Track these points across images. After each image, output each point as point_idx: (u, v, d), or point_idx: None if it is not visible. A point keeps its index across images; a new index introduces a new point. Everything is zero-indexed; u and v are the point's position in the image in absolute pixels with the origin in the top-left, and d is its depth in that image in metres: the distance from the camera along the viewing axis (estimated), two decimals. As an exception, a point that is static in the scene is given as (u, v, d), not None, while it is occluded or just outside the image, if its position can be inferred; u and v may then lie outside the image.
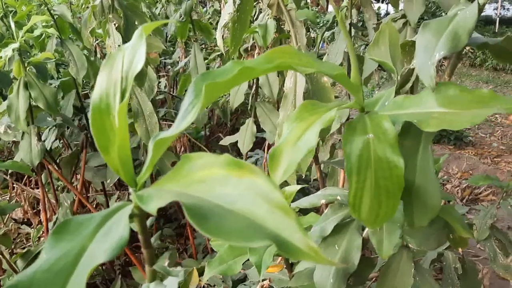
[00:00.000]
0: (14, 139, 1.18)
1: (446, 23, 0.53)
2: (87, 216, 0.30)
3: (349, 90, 0.51)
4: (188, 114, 0.32)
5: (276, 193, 0.26)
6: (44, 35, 1.40)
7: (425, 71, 0.52)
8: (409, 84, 0.74)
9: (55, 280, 0.26)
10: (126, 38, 1.12)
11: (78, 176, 1.55)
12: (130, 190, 0.33)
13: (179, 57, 2.04)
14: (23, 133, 1.16)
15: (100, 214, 0.31)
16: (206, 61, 1.88)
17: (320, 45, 1.79)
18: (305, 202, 0.80)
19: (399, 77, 0.63)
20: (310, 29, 1.71)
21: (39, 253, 1.54)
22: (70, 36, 1.49)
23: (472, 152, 3.48)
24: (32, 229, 1.69)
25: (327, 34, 1.62)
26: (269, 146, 1.46)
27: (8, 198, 1.71)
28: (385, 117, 0.47)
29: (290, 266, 0.92)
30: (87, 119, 1.53)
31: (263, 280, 1.00)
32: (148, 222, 0.34)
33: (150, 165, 0.33)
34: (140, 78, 1.17)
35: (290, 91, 0.88)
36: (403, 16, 1.01)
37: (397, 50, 0.60)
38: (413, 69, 0.60)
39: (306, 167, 0.93)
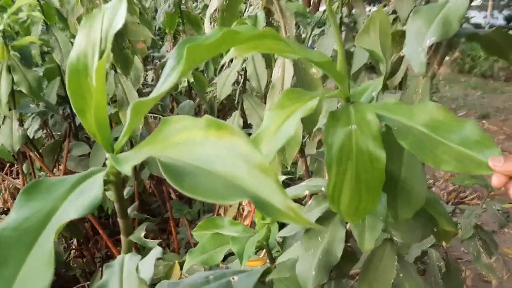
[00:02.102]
0: (-5, 124, 1.15)
1: (437, 10, 0.53)
2: (59, 178, 0.29)
3: (334, 78, 0.50)
4: (169, 77, 0.31)
5: (255, 153, 0.25)
6: (29, 20, 1.37)
7: (415, 57, 0.52)
8: (399, 75, 0.74)
9: (22, 238, 0.25)
10: (113, 25, 1.10)
11: (61, 166, 1.52)
12: (107, 155, 0.32)
13: (167, 51, 2.02)
14: (5, 117, 1.13)
15: (74, 177, 0.29)
16: (195, 55, 1.86)
17: (309, 45, 1.79)
18: (288, 192, 0.80)
19: (388, 66, 0.62)
20: (300, 27, 1.71)
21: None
22: (56, 24, 1.47)
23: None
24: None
25: (316, 31, 1.62)
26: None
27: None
28: (370, 108, 0.47)
29: (273, 260, 0.91)
30: (71, 109, 1.50)
31: (245, 272, 0.98)
32: (126, 191, 0.32)
33: (128, 129, 0.31)
34: (126, 66, 1.15)
35: (277, 81, 0.87)
36: (394, 11, 1.01)
37: (387, 39, 0.60)
38: (403, 57, 0.60)
39: (291, 159, 0.92)
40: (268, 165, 0.24)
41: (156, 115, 1.79)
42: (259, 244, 0.88)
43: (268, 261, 0.95)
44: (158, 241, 0.34)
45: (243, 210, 1.67)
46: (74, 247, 1.64)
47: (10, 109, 1.13)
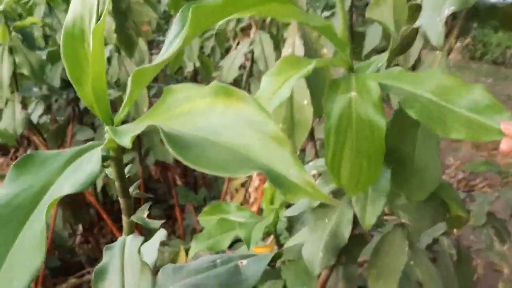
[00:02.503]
0: (-3, 106, 1.13)
1: (456, -22, 0.50)
2: (54, 152, 0.27)
3: (335, 45, 0.47)
4: (172, 44, 0.29)
5: (269, 122, 0.22)
6: (32, 1, 1.34)
7: (432, 28, 0.49)
8: (414, 53, 0.70)
9: (13, 215, 0.23)
10: (116, 4, 1.07)
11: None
12: (106, 127, 0.30)
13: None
14: (7, 100, 1.11)
15: (70, 151, 0.27)
16: (200, 39, 1.83)
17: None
18: None
19: (398, 38, 0.59)
20: (308, 9, 1.67)
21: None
22: (60, 6, 1.44)
23: (469, 144, 3.46)
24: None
25: (326, 14, 1.58)
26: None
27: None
28: (372, 76, 0.45)
29: (281, 246, 0.89)
30: (75, 92, 1.48)
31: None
32: (127, 169, 0.30)
33: (129, 100, 0.29)
34: (130, 47, 1.12)
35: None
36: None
37: (402, 12, 0.56)
38: (416, 29, 0.57)
39: (301, 143, 0.90)
40: (283, 135, 0.22)
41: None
42: (266, 230, 0.86)
43: (275, 247, 0.93)
44: (161, 221, 0.32)
45: (250, 197, 1.65)
46: (79, 233, 1.63)
47: (12, 92, 1.11)
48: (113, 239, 1.71)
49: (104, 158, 0.29)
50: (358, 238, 0.74)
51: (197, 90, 0.26)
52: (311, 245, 0.67)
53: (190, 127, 0.25)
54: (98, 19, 0.28)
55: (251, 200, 1.65)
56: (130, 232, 0.32)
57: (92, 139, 1.43)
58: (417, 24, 0.53)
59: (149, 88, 1.62)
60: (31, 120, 1.24)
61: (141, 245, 0.33)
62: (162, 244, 0.37)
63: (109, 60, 1.27)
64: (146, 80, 0.29)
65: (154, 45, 2.31)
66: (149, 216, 0.33)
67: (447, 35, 0.56)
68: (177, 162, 1.81)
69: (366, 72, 0.52)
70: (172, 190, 1.64)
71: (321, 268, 0.65)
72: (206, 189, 1.86)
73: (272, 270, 0.70)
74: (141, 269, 0.29)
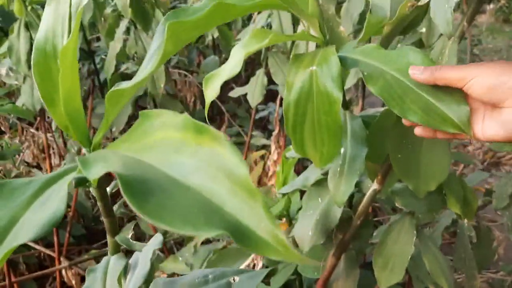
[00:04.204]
0: (16, 82, 1.14)
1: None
2: (25, 180, 0.26)
3: (305, 19, 0.46)
4: (150, 60, 0.26)
5: (241, 168, 0.20)
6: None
7: (441, 14, 0.45)
8: (432, 34, 0.66)
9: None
10: (130, -22, 1.04)
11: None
12: (83, 150, 0.28)
13: (193, 2, 1.94)
14: (25, 76, 1.11)
15: (41, 179, 0.26)
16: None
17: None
18: (291, 153, 0.76)
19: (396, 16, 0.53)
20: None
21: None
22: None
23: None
24: (44, 173, 1.69)
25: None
26: (282, 100, 1.40)
27: (18, 141, 1.70)
28: (333, 51, 0.44)
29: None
30: (95, 64, 1.47)
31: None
32: (109, 188, 0.29)
33: (105, 122, 0.27)
34: (146, 21, 1.10)
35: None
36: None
37: None
38: (421, 7, 0.52)
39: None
40: (255, 186, 0.20)
41: (181, 71, 1.75)
42: (279, 214, 0.86)
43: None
44: (144, 244, 0.30)
45: (269, 169, 1.64)
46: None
47: (29, 68, 1.11)
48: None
49: (81, 181, 0.27)
50: (365, 223, 0.73)
51: (173, 119, 0.24)
52: (302, 224, 0.67)
53: (161, 161, 0.23)
54: (69, 33, 0.26)
55: (270, 173, 1.64)
56: (115, 251, 0.31)
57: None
58: (422, 1, 0.49)
59: (169, 60, 1.60)
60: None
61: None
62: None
63: (128, 31, 1.25)
64: (123, 100, 0.27)
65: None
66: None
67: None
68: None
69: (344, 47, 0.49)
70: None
71: (309, 247, 0.65)
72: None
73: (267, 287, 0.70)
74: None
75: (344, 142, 0.52)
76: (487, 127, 0.37)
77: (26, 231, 0.22)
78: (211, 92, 0.40)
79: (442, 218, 1.13)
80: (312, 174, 0.65)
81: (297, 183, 0.67)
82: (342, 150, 0.52)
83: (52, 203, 0.23)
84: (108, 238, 0.31)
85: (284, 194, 0.78)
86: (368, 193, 0.67)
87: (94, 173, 0.23)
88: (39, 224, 0.22)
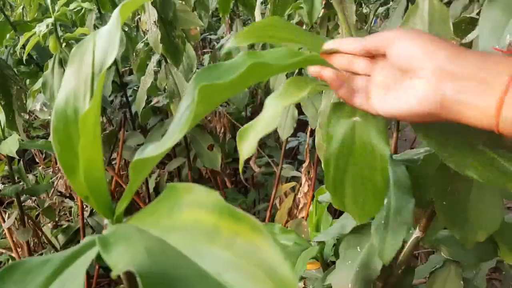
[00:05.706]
0: (49, 117, 1.15)
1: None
2: (41, 259, 0.23)
3: None
4: (177, 125, 0.24)
5: (286, 267, 0.17)
6: (84, 9, 1.35)
7: None
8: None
9: None
10: (162, 13, 1.04)
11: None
12: (106, 221, 0.26)
13: (223, 33, 1.95)
14: (58, 111, 1.13)
15: (57, 259, 0.23)
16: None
17: (373, 22, 1.64)
18: (324, 198, 0.72)
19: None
20: (363, 4, 1.56)
21: (79, 229, 1.55)
22: (110, 13, 1.45)
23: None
24: (75, 204, 1.70)
25: (381, 10, 1.48)
26: (312, 131, 1.36)
27: (51, 172, 1.73)
28: None
29: (327, 266, 0.84)
30: (127, 97, 1.49)
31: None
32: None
33: (128, 192, 0.25)
34: (176, 56, 1.09)
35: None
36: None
37: (443, 27, 0.46)
38: (469, 44, 0.48)
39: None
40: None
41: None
42: (313, 257, 0.81)
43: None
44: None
45: (299, 202, 1.60)
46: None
47: (63, 103, 1.12)
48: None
49: (101, 258, 0.25)
50: (407, 270, 0.68)
51: (205, 199, 0.21)
52: (340, 275, 0.62)
53: (192, 249, 0.20)
54: (91, 95, 0.24)
55: (300, 205, 1.59)
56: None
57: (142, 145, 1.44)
58: (469, 37, 0.45)
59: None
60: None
61: None
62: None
63: (159, 64, 1.26)
64: (148, 168, 0.25)
65: (206, 43, 2.30)
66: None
67: None
68: (226, 164, 1.79)
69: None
70: (221, 193, 1.62)
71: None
72: (255, 191, 1.83)
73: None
74: None
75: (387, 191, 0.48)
76: (389, 101, 0.36)
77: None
78: (247, 148, 0.37)
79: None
80: (349, 221, 0.61)
81: (333, 231, 0.63)
82: (385, 200, 0.48)
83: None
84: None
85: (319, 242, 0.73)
86: (410, 240, 0.62)
87: (114, 260, 0.20)
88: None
